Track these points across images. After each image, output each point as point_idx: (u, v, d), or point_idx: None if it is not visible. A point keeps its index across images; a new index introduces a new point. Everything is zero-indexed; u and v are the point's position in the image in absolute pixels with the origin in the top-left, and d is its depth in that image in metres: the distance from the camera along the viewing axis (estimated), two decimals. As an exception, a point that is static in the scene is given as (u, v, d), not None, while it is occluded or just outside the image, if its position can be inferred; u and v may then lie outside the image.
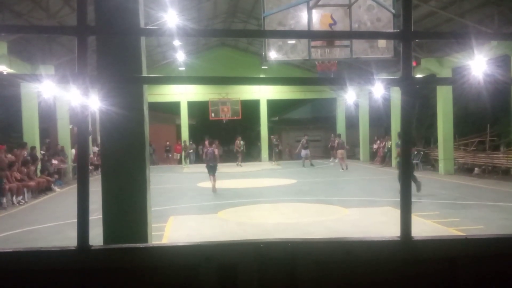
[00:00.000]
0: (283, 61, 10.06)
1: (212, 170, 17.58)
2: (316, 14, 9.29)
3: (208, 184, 18.80)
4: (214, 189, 17.18)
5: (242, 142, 30.32)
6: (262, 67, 27.97)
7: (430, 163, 24.37)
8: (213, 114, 32.23)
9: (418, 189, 15.16)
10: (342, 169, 24.74)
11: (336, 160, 26.37)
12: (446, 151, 21.80)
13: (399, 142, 12.45)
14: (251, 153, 34.34)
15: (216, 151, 18.82)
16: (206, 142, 28.93)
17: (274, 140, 31.78)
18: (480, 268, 2.24)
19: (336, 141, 27.31)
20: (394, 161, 25.35)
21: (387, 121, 27.02)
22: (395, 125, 25.09)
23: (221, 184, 19.83)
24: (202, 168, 28.11)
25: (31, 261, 2.08)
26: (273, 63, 10.34)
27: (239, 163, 29.67)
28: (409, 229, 2.21)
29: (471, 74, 16.04)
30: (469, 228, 10.22)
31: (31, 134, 19.58)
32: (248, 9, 24.19)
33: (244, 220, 11.91)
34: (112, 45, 4.68)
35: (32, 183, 16.82)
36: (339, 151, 26.07)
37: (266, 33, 8.77)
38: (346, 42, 9.46)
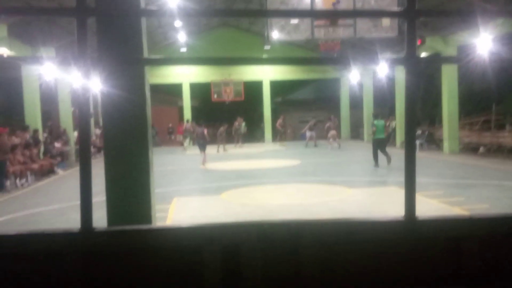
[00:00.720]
0: (285, 41, 10.04)
1: (202, 147, 19.38)
2: (319, -7, 9.22)
3: (210, 165, 18.95)
4: (204, 164, 19.12)
5: (243, 124, 30.39)
6: (265, 47, 27.83)
7: (435, 142, 24.35)
8: (215, 96, 32.18)
9: (389, 161, 17.50)
10: (339, 147, 26.14)
11: (332, 141, 26.74)
12: (451, 131, 21.76)
13: (374, 122, 13.21)
14: (254, 135, 34.36)
15: (205, 131, 20.22)
16: (186, 124, 29.46)
17: (281, 121, 31.79)
18: (485, 248, 2.25)
19: (328, 124, 27.99)
20: (398, 141, 25.40)
21: (391, 101, 26.95)
22: (400, 105, 25.03)
23: (224, 165, 19.91)
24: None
25: (34, 243, 2.10)
26: (276, 43, 10.31)
27: (239, 145, 29.90)
28: (413, 209, 2.21)
29: (476, 53, 15.92)
30: (474, 207, 10.25)
31: (33, 117, 19.63)
32: (250, -12, 24.00)
33: (248, 201, 11.96)
34: (112, 27, 4.66)
35: (35, 166, 16.91)
36: (331, 132, 26.83)
37: (268, 12, 8.70)
38: (349, 21, 9.41)
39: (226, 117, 32.52)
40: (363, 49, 25.40)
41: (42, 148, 18.96)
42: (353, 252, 2.23)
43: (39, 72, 18.59)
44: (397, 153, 18.86)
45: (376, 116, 18.93)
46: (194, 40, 29.20)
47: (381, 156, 17.44)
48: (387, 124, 27.87)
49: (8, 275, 2.08)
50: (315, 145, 27.81)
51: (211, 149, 23.12)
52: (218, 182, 15.27)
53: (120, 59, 4.47)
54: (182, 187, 14.43)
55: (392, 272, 2.23)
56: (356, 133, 33.25)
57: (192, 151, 27.40)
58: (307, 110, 36.72)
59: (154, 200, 5.31)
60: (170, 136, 33.86)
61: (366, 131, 31.17)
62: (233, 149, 28.64)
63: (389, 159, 17.51)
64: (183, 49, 29.96)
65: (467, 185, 13.17)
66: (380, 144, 17.93)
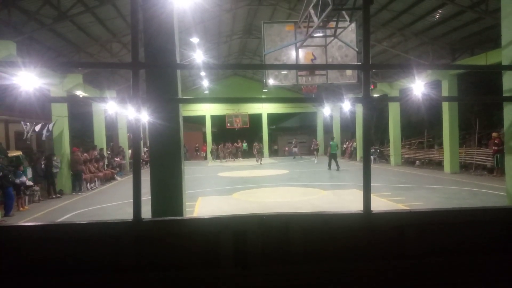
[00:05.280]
0: (278, 86, 10.07)
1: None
2: (301, 52, 9.28)
3: (225, 174, 18.92)
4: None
5: (245, 144, 30.25)
6: (264, 90, 27.98)
7: (384, 157, 24.28)
8: (228, 124, 32.32)
9: (338, 169, 19.34)
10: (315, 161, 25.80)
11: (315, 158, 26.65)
12: (395, 149, 21.73)
13: (330, 143, 13.68)
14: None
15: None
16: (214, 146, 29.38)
17: (257, 145, 28.52)
18: (420, 233, 2.24)
19: (312, 145, 28.31)
20: (358, 156, 25.35)
21: (353, 128, 26.95)
22: (359, 131, 25.02)
23: (235, 174, 19.85)
24: (220, 163, 28.18)
25: (99, 229, 2.09)
26: (271, 87, 10.34)
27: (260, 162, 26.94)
28: (369, 205, 2.20)
29: (413, 94, 15.97)
30: (412, 204, 10.19)
31: (100, 139, 19.65)
32: (253, 49, 24.22)
33: (252, 199, 11.90)
34: (157, 76, 4.69)
35: (101, 174, 16.89)
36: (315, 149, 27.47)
37: (266, 66, 8.78)
38: (323, 72, 9.45)
39: (236, 139, 32.55)
40: (333, 92, 25.52)
41: (106, 161, 18.96)
42: (326, 236, 2.21)
43: (105, 108, 18.70)
44: (358, 165, 18.81)
45: (332, 139, 21.37)
46: (213, 85, 29.42)
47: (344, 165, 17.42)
48: (350, 144, 27.90)
49: (78, 255, 2.07)
50: (301, 158, 27.63)
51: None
52: (230, 185, 15.22)
53: (161, 98, 4.49)
54: (204, 189, 14.38)
55: (355, 250, 2.21)
56: (327, 150, 33.15)
57: (213, 163, 27.37)
58: (293, 135, 36.76)
59: (185, 198, 5.29)
60: (196, 153, 33.84)
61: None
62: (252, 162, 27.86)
63: (338, 167, 19.33)
64: (206, 92, 30.13)
65: (407, 188, 13.10)
66: (333, 156, 19.88)
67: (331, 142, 20.66)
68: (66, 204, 12.14)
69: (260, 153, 27.72)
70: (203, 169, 23.64)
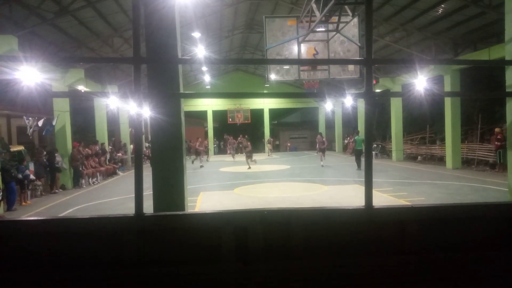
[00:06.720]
0: (280, 81, 10.02)
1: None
2: (303, 47, 9.24)
3: (226, 169, 18.90)
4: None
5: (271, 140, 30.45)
6: (265, 85, 27.92)
7: (386, 153, 24.25)
8: (230, 119, 32.29)
9: (359, 168, 17.04)
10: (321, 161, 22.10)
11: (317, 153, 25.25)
12: (397, 144, 21.69)
13: (355, 137, 13.14)
14: (257, 147, 34.27)
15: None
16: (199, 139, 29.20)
17: (243, 140, 24.77)
18: (422, 228, 2.24)
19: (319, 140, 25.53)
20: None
21: (355, 123, 26.91)
22: (361, 126, 24.97)
23: (237, 169, 19.86)
24: (222, 158, 28.19)
25: (101, 224, 2.10)
26: (273, 82, 10.28)
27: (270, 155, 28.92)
28: (371, 200, 2.20)
29: (415, 89, 15.93)
30: (414, 199, 10.18)
31: (102, 134, 19.69)
32: (255, 44, 24.15)
33: (253, 194, 11.92)
34: (158, 70, 4.68)
35: (102, 169, 16.93)
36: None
37: (268, 61, 8.75)
38: (325, 67, 9.41)
39: (237, 134, 32.54)
40: (335, 87, 25.45)
41: (108, 156, 19.00)
42: (327, 231, 2.21)
43: (106, 102, 18.71)
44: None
45: (357, 133, 18.91)
46: (215, 80, 29.36)
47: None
48: (352, 139, 27.84)
49: (80, 249, 2.08)
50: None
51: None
52: (232, 181, 15.23)
53: (163, 93, 4.49)
54: (206, 184, 14.41)
55: (356, 246, 2.22)
56: (330, 146, 33.14)
57: (215, 159, 27.33)
58: (295, 130, 36.82)
59: (187, 193, 5.30)
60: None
61: (337, 144, 31.09)
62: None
63: (359, 166, 17.14)
64: (208, 86, 30.09)
65: (409, 183, 13.09)
66: (358, 153, 17.59)
67: (356, 137, 17.80)
68: (68, 199, 12.18)
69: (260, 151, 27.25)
70: (204, 164, 23.67)
